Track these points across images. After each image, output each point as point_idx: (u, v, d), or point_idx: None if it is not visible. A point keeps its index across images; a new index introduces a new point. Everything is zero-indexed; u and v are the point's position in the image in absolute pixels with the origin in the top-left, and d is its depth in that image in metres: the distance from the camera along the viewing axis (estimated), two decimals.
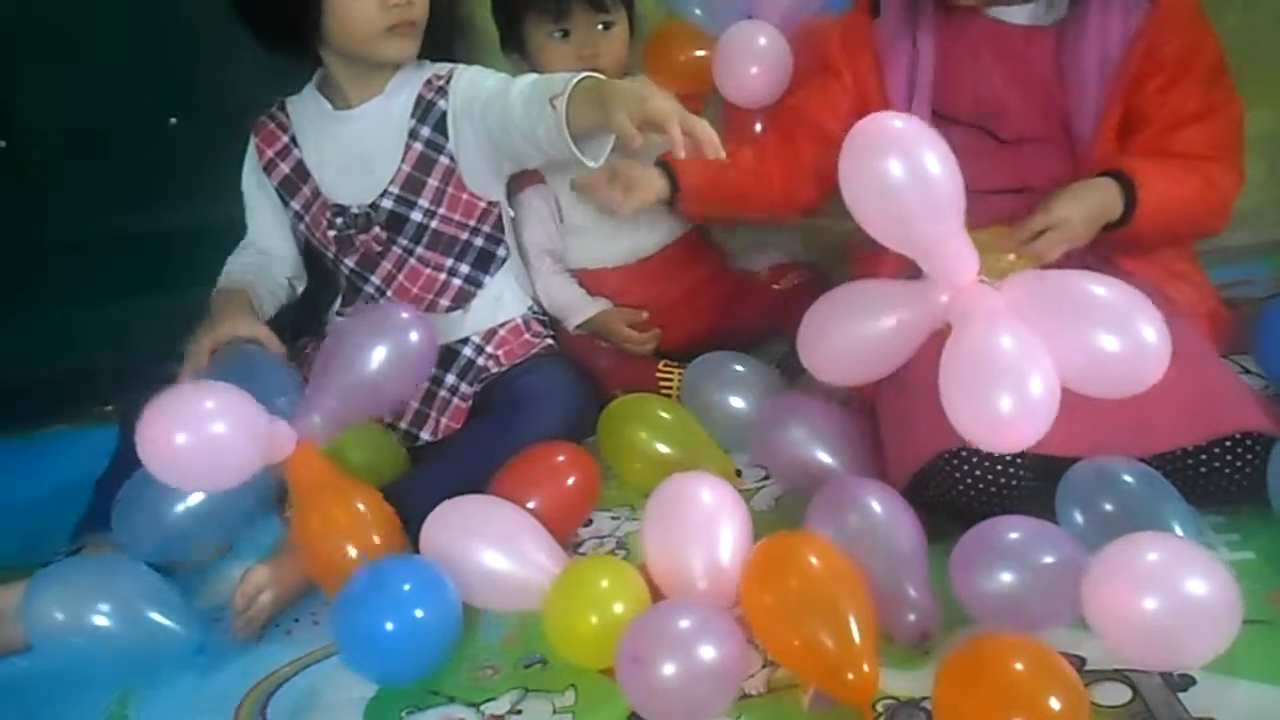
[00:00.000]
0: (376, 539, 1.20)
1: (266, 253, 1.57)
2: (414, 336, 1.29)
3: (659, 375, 1.62)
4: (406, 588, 1.11)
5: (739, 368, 1.49)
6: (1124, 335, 1.00)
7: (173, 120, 1.81)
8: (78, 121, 1.79)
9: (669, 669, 0.95)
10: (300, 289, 1.60)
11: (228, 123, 1.63)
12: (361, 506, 1.22)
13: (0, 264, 1.83)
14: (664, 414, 1.41)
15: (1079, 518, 1.06)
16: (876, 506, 1.10)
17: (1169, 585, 0.91)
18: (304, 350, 1.53)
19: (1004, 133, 1.35)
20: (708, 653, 0.97)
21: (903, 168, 1.01)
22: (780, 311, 1.67)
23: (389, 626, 1.09)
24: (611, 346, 1.66)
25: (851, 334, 1.15)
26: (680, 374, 1.57)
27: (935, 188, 1.02)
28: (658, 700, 0.98)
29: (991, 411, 0.99)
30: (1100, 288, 1.02)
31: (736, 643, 1.00)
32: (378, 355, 1.26)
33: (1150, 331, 1.00)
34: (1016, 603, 0.99)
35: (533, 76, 1.38)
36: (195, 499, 1.22)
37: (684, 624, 0.98)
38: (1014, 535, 1.02)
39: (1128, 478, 1.07)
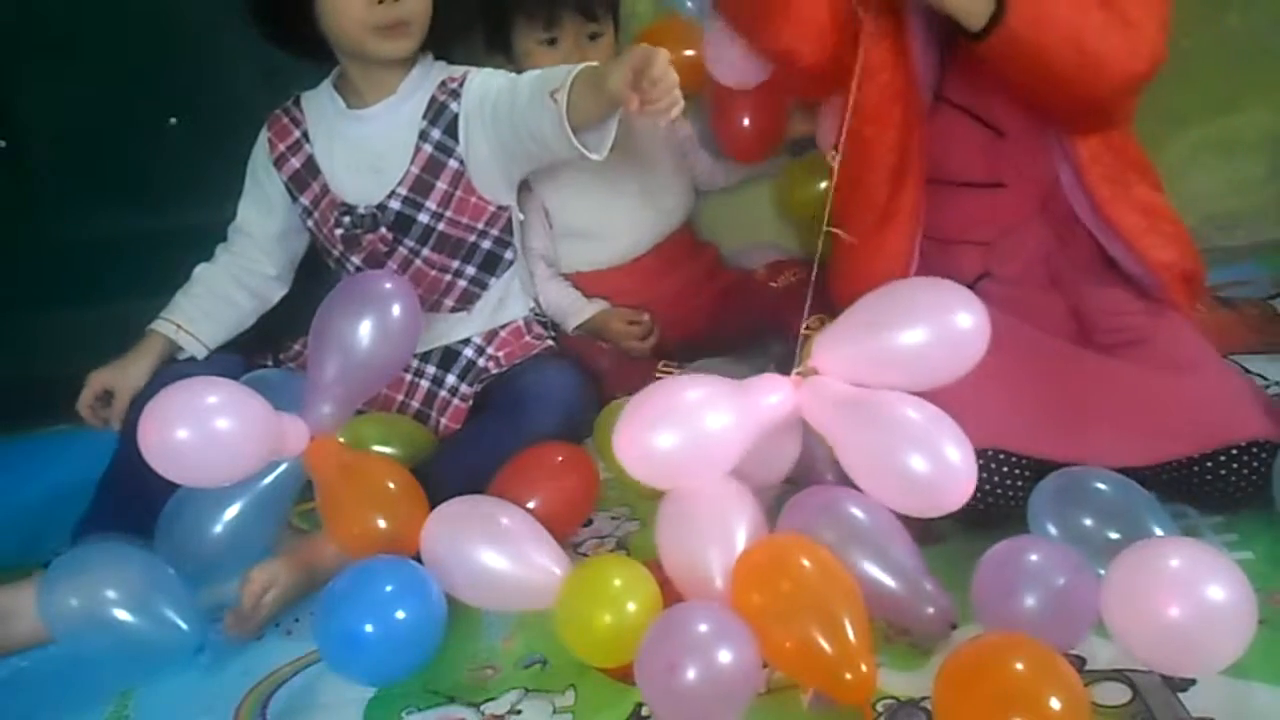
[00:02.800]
0: (405, 513, 1.20)
1: (252, 237, 1.55)
2: (398, 302, 1.29)
3: (657, 374, 1.61)
4: (388, 589, 1.11)
5: (731, 373, 1.50)
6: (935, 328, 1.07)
7: (173, 120, 1.80)
8: (78, 121, 1.79)
9: (701, 675, 0.94)
10: (281, 293, 1.59)
11: (228, 123, 1.63)
12: (390, 484, 1.23)
13: (0, 264, 1.83)
14: None
15: (1052, 529, 1.06)
16: (854, 510, 1.08)
17: (1191, 591, 0.90)
18: (304, 351, 1.53)
19: (988, 114, 1.28)
20: (733, 657, 0.96)
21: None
22: (778, 310, 1.67)
23: (369, 628, 1.09)
24: (611, 347, 1.66)
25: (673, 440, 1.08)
26: (679, 373, 1.57)
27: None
28: (689, 706, 0.96)
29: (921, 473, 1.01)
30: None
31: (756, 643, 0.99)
32: (368, 330, 1.26)
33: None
34: (1037, 626, 0.97)
35: (537, 72, 1.38)
36: (233, 512, 1.22)
37: (711, 629, 0.97)
38: (1034, 558, 1.01)
39: (1101, 486, 1.06)
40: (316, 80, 1.55)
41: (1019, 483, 1.14)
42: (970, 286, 1.29)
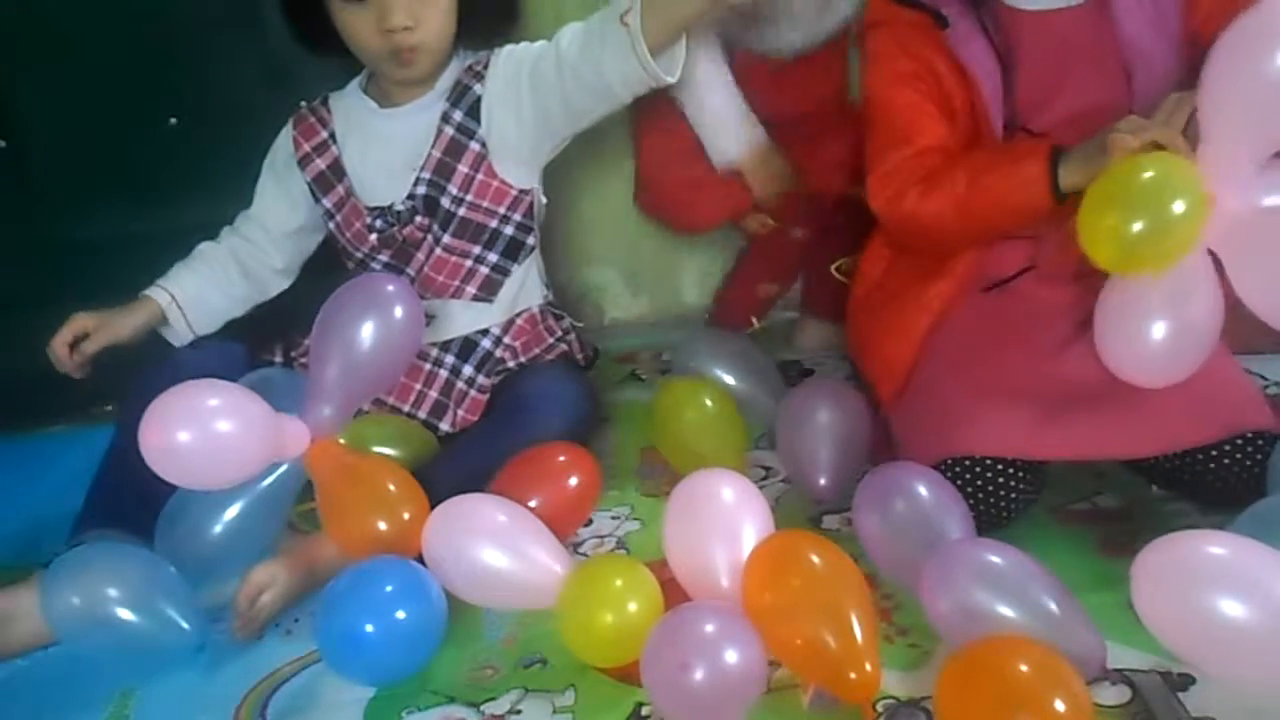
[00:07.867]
0: (406, 515, 1.20)
1: (266, 229, 1.55)
2: (400, 303, 1.28)
3: (834, 271, 1.66)
4: (389, 589, 1.11)
5: (729, 345, 1.55)
6: None
7: (173, 120, 1.80)
8: (78, 121, 1.79)
9: (709, 676, 0.95)
10: (282, 286, 1.59)
11: (228, 123, 1.63)
12: (391, 486, 1.22)
13: (0, 264, 1.83)
14: (709, 402, 1.43)
15: None
16: (924, 491, 1.09)
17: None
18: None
19: (1037, 125, 1.27)
20: (740, 657, 0.96)
21: None
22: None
23: (369, 628, 1.09)
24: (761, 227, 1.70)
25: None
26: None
27: None
28: (696, 706, 0.96)
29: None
30: None
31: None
32: (370, 332, 1.26)
33: None
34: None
35: (578, 23, 1.37)
36: (234, 512, 1.23)
37: (718, 629, 0.97)
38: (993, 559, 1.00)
39: None
40: (318, 80, 1.55)
41: (1013, 494, 1.14)
42: (1010, 280, 1.29)
